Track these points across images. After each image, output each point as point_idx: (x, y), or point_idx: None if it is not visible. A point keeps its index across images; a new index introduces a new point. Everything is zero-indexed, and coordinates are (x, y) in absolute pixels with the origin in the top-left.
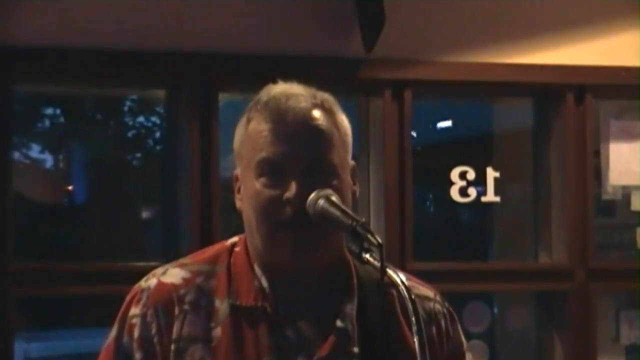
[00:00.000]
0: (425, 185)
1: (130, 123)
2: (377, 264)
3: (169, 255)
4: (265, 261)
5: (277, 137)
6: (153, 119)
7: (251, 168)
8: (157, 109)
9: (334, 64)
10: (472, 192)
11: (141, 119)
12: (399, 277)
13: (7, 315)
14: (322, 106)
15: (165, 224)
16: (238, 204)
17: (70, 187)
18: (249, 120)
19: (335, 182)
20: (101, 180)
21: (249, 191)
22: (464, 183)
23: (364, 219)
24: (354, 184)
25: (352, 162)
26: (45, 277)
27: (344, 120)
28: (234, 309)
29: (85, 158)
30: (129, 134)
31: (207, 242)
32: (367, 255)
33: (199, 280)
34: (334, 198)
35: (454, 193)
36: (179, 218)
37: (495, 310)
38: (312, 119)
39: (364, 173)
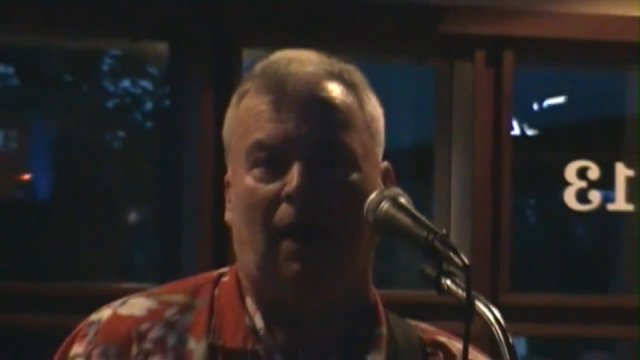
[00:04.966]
0: (529, 186)
1: (112, 89)
2: (461, 293)
3: (167, 276)
4: (260, 292)
5: (274, 113)
6: (144, 83)
7: (241, 160)
8: (151, 70)
9: (404, 13)
10: (595, 197)
11: (126, 83)
12: (492, 313)
13: None
14: (339, 76)
15: (162, 232)
16: (227, 215)
17: (27, 176)
18: (241, 97)
19: (354, 177)
20: (70, 167)
21: (238, 192)
22: (583, 184)
23: (444, 231)
24: None
25: (385, 163)
26: None
27: (371, 100)
28: (214, 351)
29: (48, 136)
30: (110, 105)
31: (220, 257)
32: (448, 281)
33: (169, 313)
34: (402, 200)
35: (569, 198)
36: (182, 225)
37: None
38: (322, 88)
39: (443, 167)
